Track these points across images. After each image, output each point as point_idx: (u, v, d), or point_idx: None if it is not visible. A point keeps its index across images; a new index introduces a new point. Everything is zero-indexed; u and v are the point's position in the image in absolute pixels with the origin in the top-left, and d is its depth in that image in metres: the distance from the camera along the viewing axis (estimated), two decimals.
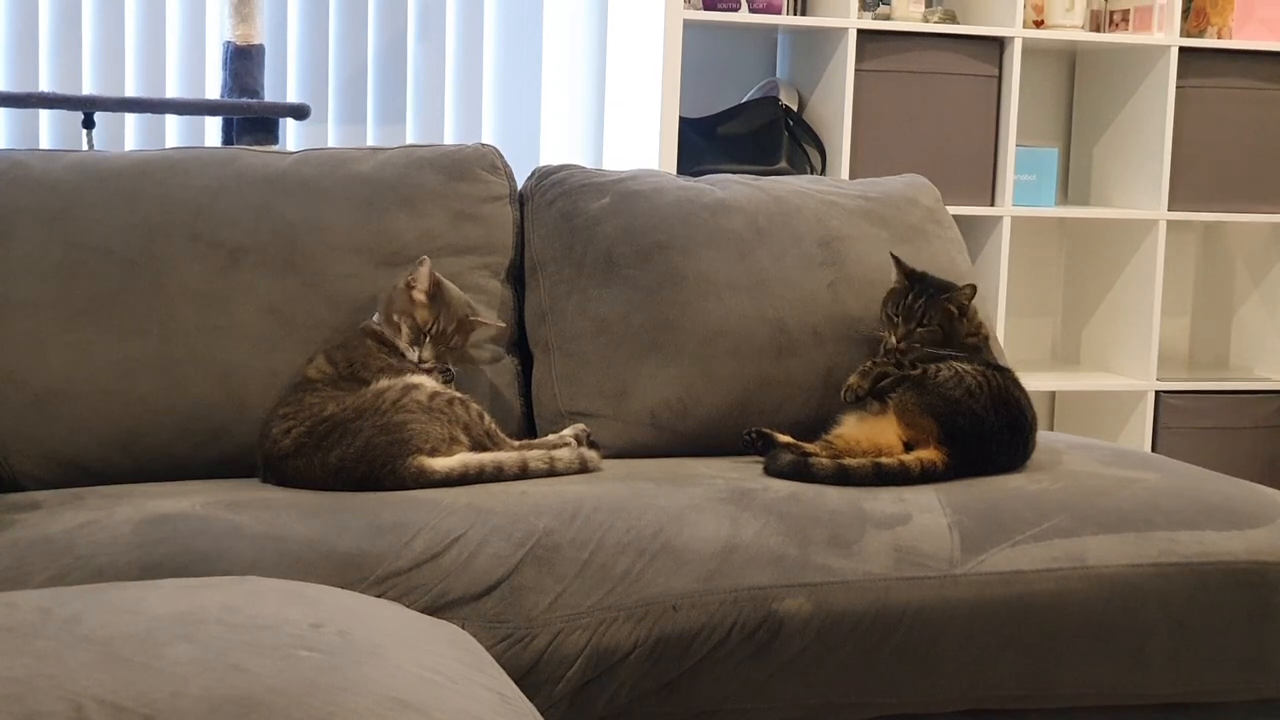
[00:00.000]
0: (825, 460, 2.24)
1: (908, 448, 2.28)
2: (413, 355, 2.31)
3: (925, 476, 2.23)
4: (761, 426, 2.37)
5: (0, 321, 2.28)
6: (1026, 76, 3.93)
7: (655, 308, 2.48)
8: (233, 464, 2.29)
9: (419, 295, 2.33)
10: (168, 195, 2.39)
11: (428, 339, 2.32)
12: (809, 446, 2.30)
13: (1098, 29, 4.01)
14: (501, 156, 2.62)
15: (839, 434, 2.33)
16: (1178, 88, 3.85)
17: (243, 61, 3.49)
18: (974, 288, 2.46)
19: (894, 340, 2.42)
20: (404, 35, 3.89)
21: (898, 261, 2.48)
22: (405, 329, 2.32)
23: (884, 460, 2.24)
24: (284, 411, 2.22)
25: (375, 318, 2.35)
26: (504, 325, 2.48)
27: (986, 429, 2.30)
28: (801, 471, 2.23)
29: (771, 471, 2.26)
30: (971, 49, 3.78)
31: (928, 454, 2.25)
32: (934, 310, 2.42)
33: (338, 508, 2.02)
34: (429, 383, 2.26)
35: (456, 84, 3.93)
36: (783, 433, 2.35)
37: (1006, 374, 2.39)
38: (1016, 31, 3.77)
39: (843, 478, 2.21)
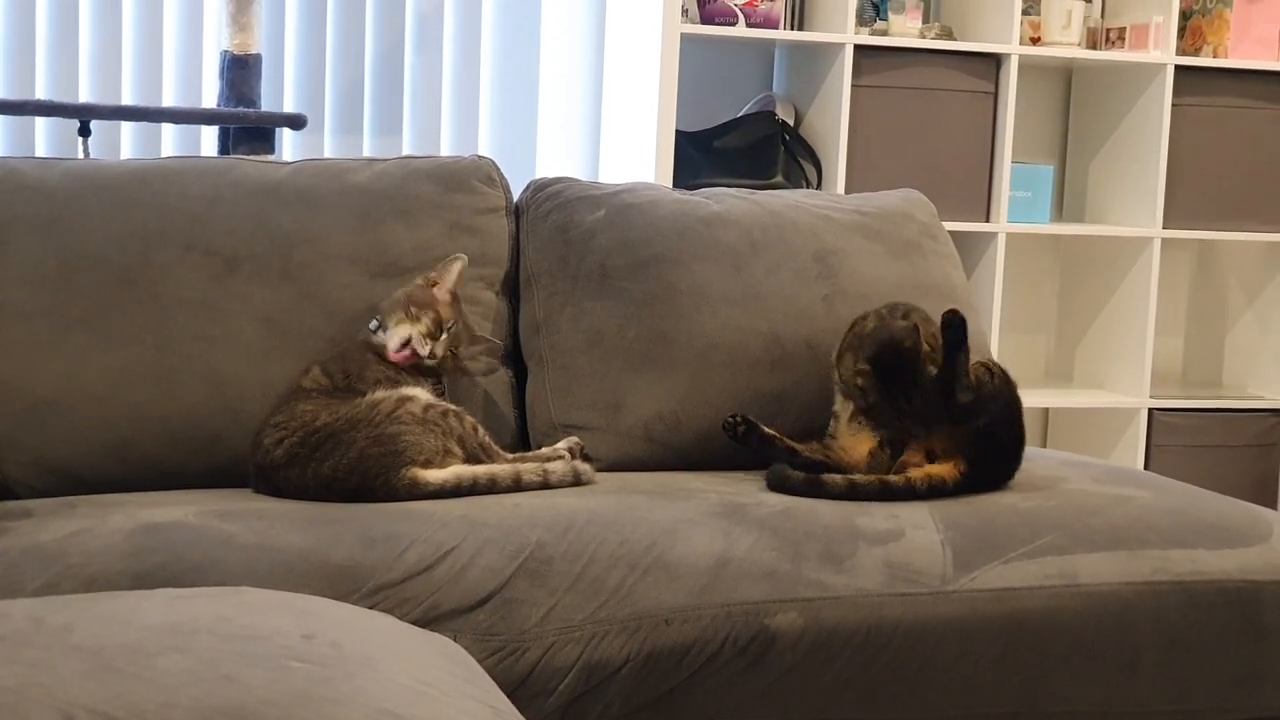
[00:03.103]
0: (837, 478, 2.23)
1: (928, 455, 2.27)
2: (424, 349, 2.30)
3: (932, 493, 2.22)
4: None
5: None
6: (1023, 93, 3.94)
7: (649, 320, 2.48)
8: (226, 473, 2.28)
9: (443, 293, 2.34)
10: (164, 204, 2.39)
11: (444, 335, 2.32)
12: (800, 446, 2.30)
13: (1094, 46, 4.02)
14: (498, 168, 2.62)
15: (840, 445, 2.33)
16: (1173, 106, 3.86)
17: (240, 71, 3.49)
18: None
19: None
20: (401, 46, 3.89)
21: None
22: (426, 322, 2.31)
23: (891, 478, 2.23)
24: (276, 421, 2.22)
25: (374, 330, 2.34)
26: (499, 342, 2.48)
27: (1004, 446, 2.30)
28: (816, 487, 2.22)
29: (779, 489, 2.24)
30: (968, 65, 3.79)
31: (938, 469, 2.24)
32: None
33: (330, 518, 2.01)
34: (423, 394, 2.25)
35: (453, 95, 3.94)
36: None
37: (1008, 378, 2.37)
38: (1013, 48, 3.77)
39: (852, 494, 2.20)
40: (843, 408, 2.37)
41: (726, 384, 2.47)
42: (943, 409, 2.24)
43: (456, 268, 2.35)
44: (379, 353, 2.32)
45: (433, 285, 2.35)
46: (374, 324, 2.34)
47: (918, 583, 2.00)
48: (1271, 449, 4.03)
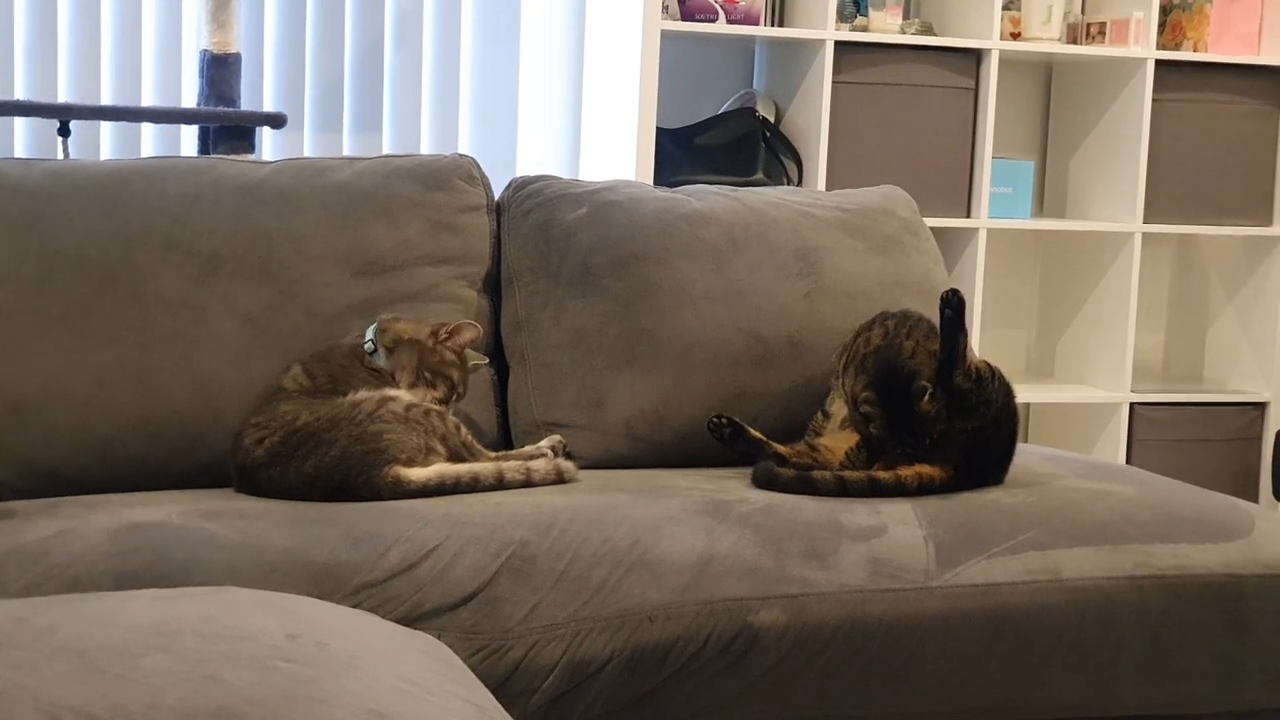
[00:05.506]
0: (826, 475, 2.23)
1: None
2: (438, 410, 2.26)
3: (921, 491, 2.22)
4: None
5: None
6: (1003, 89, 3.94)
7: (631, 318, 2.48)
8: (208, 473, 2.28)
9: (451, 355, 2.32)
10: (144, 204, 2.39)
11: (455, 398, 2.32)
12: (787, 450, 2.30)
13: (1075, 41, 4.02)
14: (479, 167, 2.62)
15: (827, 446, 2.33)
16: (1154, 101, 3.87)
17: (219, 70, 3.48)
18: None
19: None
20: (381, 44, 3.88)
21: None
22: (442, 389, 2.30)
23: (880, 475, 2.23)
24: (257, 421, 2.21)
25: (370, 351, 2.31)
26: (486, 359, 2.47)
27: (993, 451, 2.29)
28: (806, 485, 2.22)
29: (768, 486, 2.24)
30: (948, 61, 3.80)
31: (927, 469, 2.23)
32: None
33: (313, 518, 2.01)
34: (406, 394, 2.25)
35: (433, 93, 3.93)
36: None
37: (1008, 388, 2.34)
38: (994, 43, 3.78)
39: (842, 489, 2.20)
40: (837, 410, 2.37)
41: (709, 381, 2.47)
42: (947, 438, 2.21)
43: (469, 335, 2.34)
44: (371, 368, 2.30)
45: (441, 340, 2.32)
46: (369, 344, 2.31)
47: (901, 579, 2.01)
48: (1252, 443, 4.05)
